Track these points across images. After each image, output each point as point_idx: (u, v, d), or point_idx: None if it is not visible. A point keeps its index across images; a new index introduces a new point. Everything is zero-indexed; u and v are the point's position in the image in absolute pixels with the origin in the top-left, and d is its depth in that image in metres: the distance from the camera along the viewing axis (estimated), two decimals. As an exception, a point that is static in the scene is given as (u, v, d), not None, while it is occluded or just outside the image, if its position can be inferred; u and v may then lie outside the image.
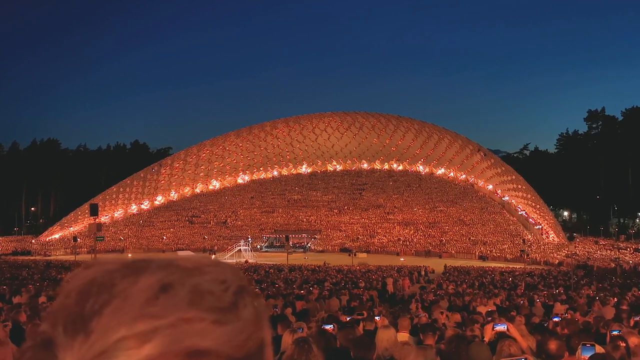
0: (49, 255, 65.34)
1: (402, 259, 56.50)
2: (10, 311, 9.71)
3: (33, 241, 76.45)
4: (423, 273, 38.36)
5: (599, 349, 4.55)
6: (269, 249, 68.87)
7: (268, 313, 0.59)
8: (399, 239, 70.37)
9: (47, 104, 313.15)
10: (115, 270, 0.55)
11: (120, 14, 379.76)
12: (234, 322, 0.54)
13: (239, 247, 61.41)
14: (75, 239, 56.40)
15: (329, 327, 6.05)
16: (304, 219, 78.35)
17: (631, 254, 57.98)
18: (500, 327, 5.68)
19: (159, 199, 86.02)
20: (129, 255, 62.99)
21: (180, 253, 66.36)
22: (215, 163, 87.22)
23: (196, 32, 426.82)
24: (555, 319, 8.89)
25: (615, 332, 5.81)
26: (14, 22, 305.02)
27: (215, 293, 0.55)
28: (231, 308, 0.54)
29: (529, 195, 73.00)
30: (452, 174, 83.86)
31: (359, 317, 8.90)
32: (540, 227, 71.31)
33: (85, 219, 69.55)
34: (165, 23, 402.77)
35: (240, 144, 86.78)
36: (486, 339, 5.78)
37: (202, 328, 0.52)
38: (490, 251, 63.21)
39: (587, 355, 4.36)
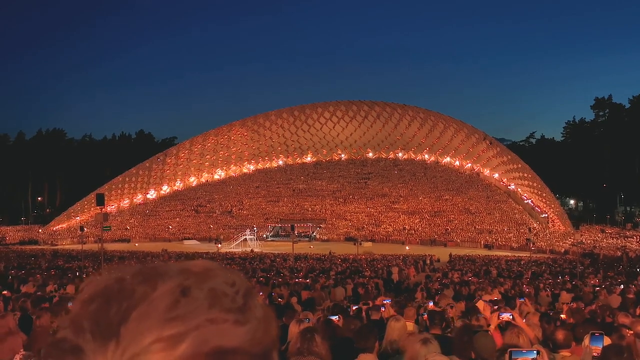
0: (56, 245, 65.85)
1: (407, 248, 56.58)
2: (18, 300, 9.79)
3: (40, 231, 76.95)
4: (428, 262, 38.40)
5: (606, 339, 4.53)
6: (274, 238, 69.09)
7: (273, 312, 0.62)
8: (404, 228, 70.39)
9: (52, 95, 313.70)
10: (130, 277, 0.57)
11: (126, 6, 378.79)
12: (251, 321, 0.57)
13: (244, 237, 61.70)
14: (82, 228, 56.61)
15: (334, 318, 6.07)
16: (309, 208, 78.45)
17: (637, 242, 57.78)
18: (506, 316, 5.67)
19: (165, 189, 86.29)
20: (136, 244, 63.64)
21: (186, 242, 66.80)
22: (221, 152, 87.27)
23: (200, 23, 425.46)
24: (562, 308, 8.89)
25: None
26: (20, 15, 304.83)
27: (230, 295, 0.58)
28: (245, 308, 0.58)
29: (535, 184, 72.74)
30: (457, 162, 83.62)
31: (365, 306, 8.93)
32: (546, 215, 71.11)
33: (92, 209, 69.94)
34: (170, 14, 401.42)
35: (245, 134, 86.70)
36: (492, 327, 5.78)
37: (226, 328, 0.55)
38: (496, 240, 63.17)
39: (596, 344, 4.34)
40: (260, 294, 11.77)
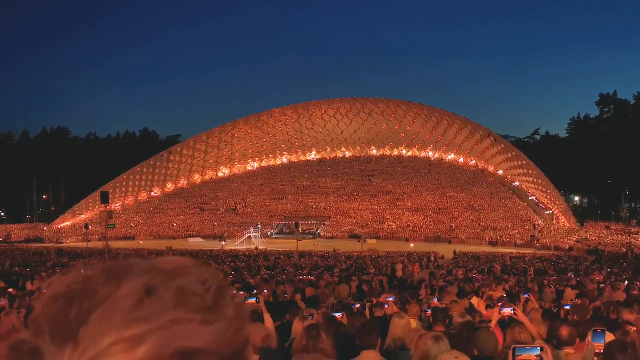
0: (61, 243, 66.10)
1: (411, 245, 56.53)
2: (23, 298, 9.84)
3: (45, 228, 77.24)
4: (432, 259, 38.36)
5: (609, 335, 4.51)
6: (278, 236, 69.17)
7: (247, 310, 0.60)
8: (408, 225, 70.34)
9: (57, 93, 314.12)
10: (95, 276, 0.55)
11: (126, 6, 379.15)
12: (219, 321, 0.55)
13: (248, 234, 61.78)
14: (86, 226, 56.96)
15: (338, 314, 6.08)
16: (313, 206, 78.48)
17: (642, 238, 57.51)
18: (507, 310, 5.66)
19: (169, 186, 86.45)
20: (140, 242, 63.83)
21: (191, 240, 66.94)
22: (224, 150, 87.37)
23: (204, 21, 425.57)
24: (566, 307, 8.87)
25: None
26: (20, 15, 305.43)
27: (199, 293, 0.55)
28: (215, 307, 0.56)
29: (539, 180, 72.54)
30: (461, 159, 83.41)
31: (368, 303, 8.94)
32: (550, 212, 70.94)
33: (96, 207, 70.14)
34: (173, 12, 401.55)
35: (249, 131, 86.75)
36: (493, 322, 5.78)
37: (191, 329, 0.52)
38: (500, 237, 63.06)
39: (598, 341, 4.32)
40: (265, 291, 11.79)
